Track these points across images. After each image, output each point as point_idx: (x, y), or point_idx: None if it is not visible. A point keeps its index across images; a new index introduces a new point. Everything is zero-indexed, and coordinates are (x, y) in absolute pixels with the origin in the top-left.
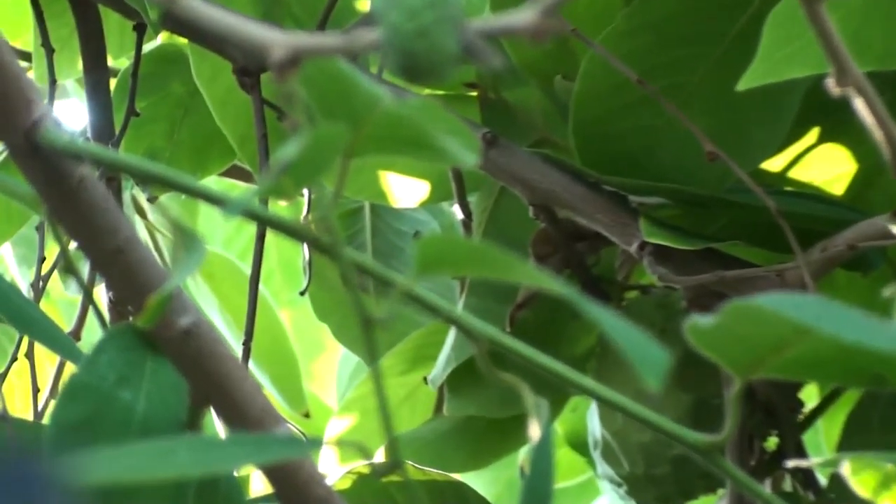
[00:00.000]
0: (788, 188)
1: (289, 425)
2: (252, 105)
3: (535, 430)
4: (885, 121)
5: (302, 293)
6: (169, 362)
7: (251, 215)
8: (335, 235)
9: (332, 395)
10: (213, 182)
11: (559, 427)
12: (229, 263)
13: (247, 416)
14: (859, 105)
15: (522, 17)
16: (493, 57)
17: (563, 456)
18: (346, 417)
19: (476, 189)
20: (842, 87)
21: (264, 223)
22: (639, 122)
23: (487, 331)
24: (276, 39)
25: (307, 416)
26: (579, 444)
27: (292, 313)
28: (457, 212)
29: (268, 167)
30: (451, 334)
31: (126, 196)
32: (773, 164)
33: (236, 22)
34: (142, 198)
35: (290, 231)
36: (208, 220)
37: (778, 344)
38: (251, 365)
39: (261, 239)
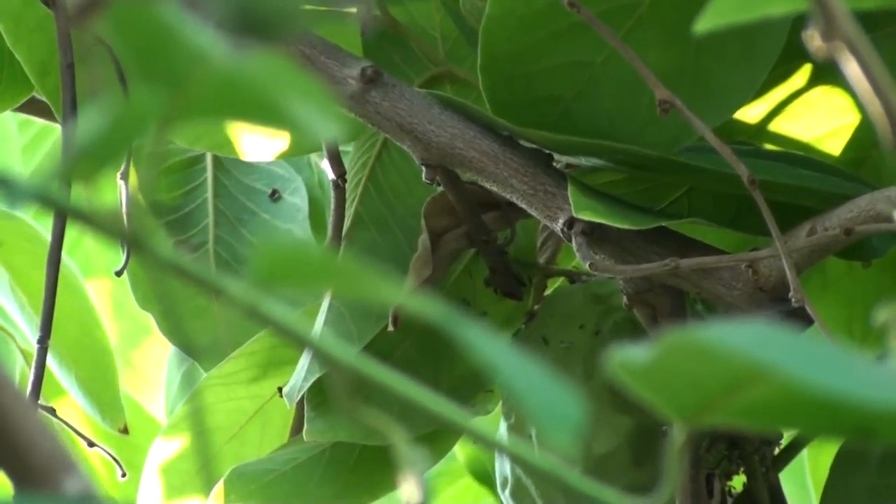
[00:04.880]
0: (768, 147)
1: (82, 479)
2: (55, 25)
3: (409, 494)
4: (884, 89)
5: (118, 273)
6: None
7: (47, 202)
8: (149, 230)
9: (157, 399)
10: (4, 119)
11: (459, 453)
12: (24, 227)
13: (30, 465)
14: (850, 68)
15: None
16: (343, 85)
17: (466, 489)
18: (174, 438)
19: (353, 138)
20: (827, 43)
21: (63, 214)
22: (569, 57)
23: (349, 358)
24: None
25: (125, 431)
26: (484, 476)
27: (108, 284)
28: (327, 168)
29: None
30: (317, 330)
31: None
32: (749, 114)
33: None
34: None
35: (96, 224)
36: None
37: (731, 386)
38: (52, 364)
39: (60, 223)
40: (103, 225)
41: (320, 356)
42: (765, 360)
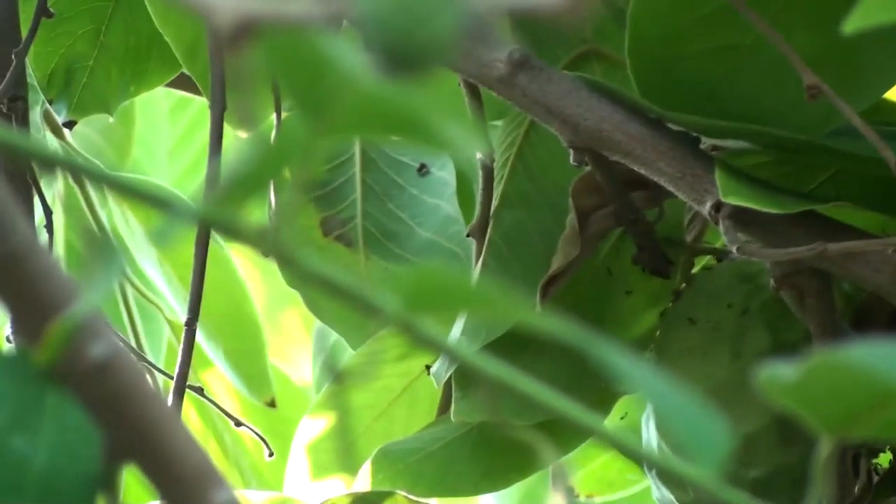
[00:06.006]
0: None
1: (229, 492)
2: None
3: (557, 474)
4: None
5: (266, 254)
6: (76, 404)
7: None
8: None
9: (303, 367)
10: (160, 95)
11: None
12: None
13: (178, 476)
14: None
15: None
16: (491, 68)
17: (611, 463)
18: (322, 416)
19: (501, 115)
20: None
21: (207, 228)
22: (717, 41)
23: (495, 370)
24: (221, 3)
25: (272, 405)
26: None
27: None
28: None
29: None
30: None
31: (35, 114)
32: None
33: None
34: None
35: (245, 241)
36: (148, 124)
37: (875, 403)
38: (199, 337)
39: (203, 246)
40: (252, 240)
41: (470, 369)
42: None
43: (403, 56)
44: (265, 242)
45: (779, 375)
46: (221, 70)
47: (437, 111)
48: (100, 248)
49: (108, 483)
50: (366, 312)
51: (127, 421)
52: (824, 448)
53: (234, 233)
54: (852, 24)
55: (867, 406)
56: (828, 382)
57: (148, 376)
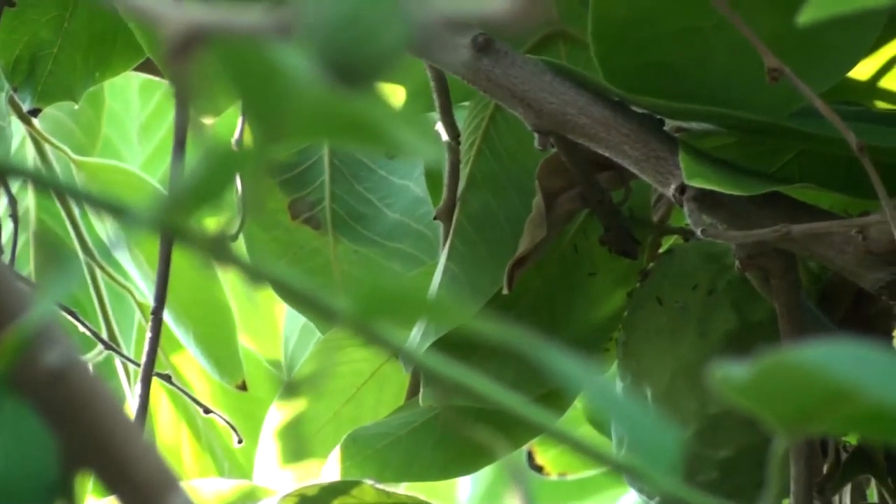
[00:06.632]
0: (879, 104)
1: (185, 497)
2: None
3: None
4: None
5: (233, 238)
6: (32, 411)
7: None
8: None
9: (276, 346)
10: (130, 73)
11: (579, 402)
12: (142, 183)
13: (135, 483)
14: None
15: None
16: (455, 52)
17: (584, 435)
18: (291, 402)
19: (468, 97)
20: None
21: (169, 238)
22: (680, 23)
23: (447, 370)
24: (169, 12)
25: (243, 388)
26: (604, 425)
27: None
28: (441, 130)
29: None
30: (433, 292)
31: (0, 101)
32: (862, 71)
33: None
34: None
35: (204, 250)
36: (119, 102)
37: (827, 402)
38: (168, 320)
39: (165, 259)
40: (206, 249)
41: (427, 376)
42: (853, 382)
43: (351, 69)
44: (219, 251)
45: (732, 376)
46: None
47: (386, 114)
48: (56, 254)
49: (66, 490)
50: (322, 316)
51: (83, 428)
52: (780, 446)
53: (189, 240)
54: (807, 16)
55: (821, 405)
56: (781, 383)
57: (116, 374)
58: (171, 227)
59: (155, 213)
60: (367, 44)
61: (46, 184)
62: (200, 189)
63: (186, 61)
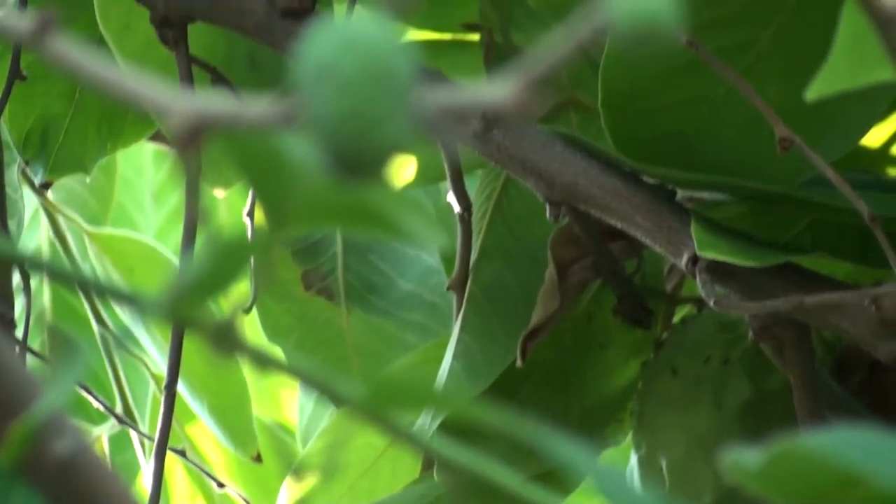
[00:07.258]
0: (891, 171)
1: None
2: (176, 64)
3: None
4: None
5: (247, 311)
6: (42, 500)
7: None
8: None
9: (289, 414)
10: (140, 146)
11: None
12: (154, 254)
13: None
14: None
15: (498, 91)
16: (457, 137)
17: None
18: (306, 475)
19: (480, 165)
20: None
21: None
22: (690, 93)
23: (463, 458)
24: (176, 103)
25: (258, 459)
26: None
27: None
28: (452, 201)
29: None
30: (446, 364)
31: (12, 173)
32: (873, 138)
33: (132, 76)
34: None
35: (212, 339)
36: (132, 169)
37: (836, 488)
38: (183, 391)
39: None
40: (212, 338)
41: (441, 464)
42: (863, 469)
43: (356, 160)
44: (228, 339)
45: (743, 462)
46: (192, 173)
47: (391, 203)
48: (64, 344)
49: None
50: (332, 400)
51: None
52: None
53: (196, 328)
54: (814, 93)
55: (831, 491)
56: (791, 468)
57: (132, 445)
58: (180, 318)
59: (164, 305)
60: (370, 135)
61: (61, 276)
62: (208, 281)
63: (194, 151)
